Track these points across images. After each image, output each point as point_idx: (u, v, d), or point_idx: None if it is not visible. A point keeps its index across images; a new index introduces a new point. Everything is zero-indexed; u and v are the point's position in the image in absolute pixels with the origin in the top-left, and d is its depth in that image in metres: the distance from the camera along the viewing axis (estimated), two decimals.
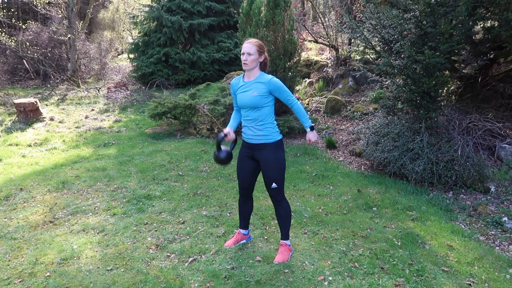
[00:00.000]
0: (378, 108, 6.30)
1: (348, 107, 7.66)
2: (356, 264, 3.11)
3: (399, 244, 3.44)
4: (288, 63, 7.28)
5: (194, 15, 13.09)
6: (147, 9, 13.52)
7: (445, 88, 5.38)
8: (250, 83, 3.02)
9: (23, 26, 11.47)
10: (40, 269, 3.14)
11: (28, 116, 8.55)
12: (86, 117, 9.30)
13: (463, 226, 3.89)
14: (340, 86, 8.57)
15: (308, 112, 7.99)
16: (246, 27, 7.38)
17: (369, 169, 5.54)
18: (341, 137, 6.75)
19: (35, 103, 8.62)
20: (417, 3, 4.57)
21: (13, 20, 11.28)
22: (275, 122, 3.15)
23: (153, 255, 3.33)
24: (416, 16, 4.67)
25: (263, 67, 3.11)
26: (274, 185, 3.10)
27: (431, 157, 4.69)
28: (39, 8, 11.34)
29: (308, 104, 8.49)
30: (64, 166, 5.92)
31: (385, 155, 5.06)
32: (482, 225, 3.92)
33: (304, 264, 3.13)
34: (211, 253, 3.35)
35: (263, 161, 3.10)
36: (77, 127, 8.34)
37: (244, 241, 3.53)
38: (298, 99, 8.94)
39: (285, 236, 3.26)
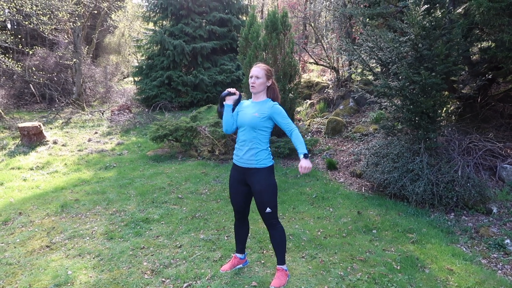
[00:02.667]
0: (378, 129, 6.30)
1: (349, 128, 7.66)
2: None
3: (398, 268, 3.37)
4: (288, 85, 7.34)
5: (196, 39, 13.32)
6: (151, 33, 13.78)
7: (444, 109, 5.39)
8: (254, 104, 3.08)
9: (30, 52, 11.70)
10: None
11: (32, 139, 8.63)
12: (89, 140, 9.37)
13: (464, 249, 3.82)
14: (341, 107, 8.60)
15: (309, 133, 8.00)
16: (246, 50, 7.49)
17: (370, 190, 5.49)
18: (342, 158, 6.73)
19: (38, 126, 8.71)
20: (412, 27, 4.62)
21: (20, 46, 11.50)
22: (269, 149, 3.15)
23: (148, 281, 3.29)
24: (411, 39, 4.71)
25: (271, 94, 3.12)
26: (268, 209, 3.07)
27: (431, 178, 4.64)
28: (46, 34, 11.58)
29: (309, 125, 8.50)
30: (65, 189, 5.92)
31: (385, 176, 5.02)
32: (484, 248, 3.84)
33: None
34: (206, 278, 3.30)
35: (256, 187, 3.06)
36: (79, 150, 8.39)
37: (241, 265, 3.48)
38: (299, 120, 8.97)
39: (281, 261, 3.21)
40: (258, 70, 3.02)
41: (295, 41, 10.70)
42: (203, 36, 13.32)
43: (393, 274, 3.25)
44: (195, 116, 8.00)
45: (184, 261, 3.62)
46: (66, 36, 15.58)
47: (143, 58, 14.57)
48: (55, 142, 8.89)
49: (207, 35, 13.37)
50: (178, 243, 4.02)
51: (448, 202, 4.58)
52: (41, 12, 10.96)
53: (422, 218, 4.47)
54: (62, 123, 11.39)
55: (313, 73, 12.97)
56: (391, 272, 3.30)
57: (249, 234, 4.13)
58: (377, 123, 7.13)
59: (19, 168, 7.05)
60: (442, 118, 5.59)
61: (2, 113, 11.62)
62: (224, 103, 3.17)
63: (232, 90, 3.15)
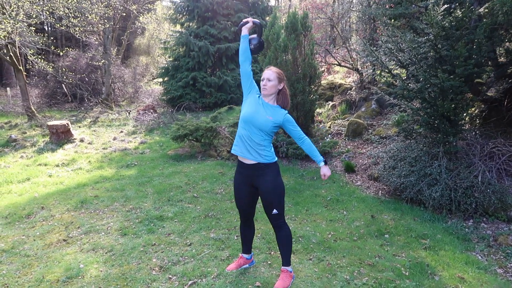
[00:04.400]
0: (397, 132, 6.16)
1: (370, 131, 7.53)
2: None
3: (407, 274, 3.29)
4: (308, 87, 7.30)
5: (221, 40, 13.45)
6: (177, 35, 14.02)
7: (467, 112, 5.21)
8: (268, 107, 3.01)
9: (61, 53, 12.17)
10: (44, 286, 3.23)
11: (60, 137, 8.97)
12: (114, 139, 9.63)
13: (480, 257, 3.68)
14: (363, 109, 8.47)
15: (329, 135, 7.92)
16: (266, 51, 7.50)
17: (387, 194, 5.38)
18: (360, 160, 6.63)
19: (66, 125, 9.04)
20: (432, 27, 4.50)
21: (53, 47, 11.97)
22: (271, 151, 3.10)
23: (155, 277, 3.35)
24: (430, 39, 4.59)
25: (281, 99, 3.08)
26: (275, 211, 3.06)
27: (449, 183, 4.50)
28: (78, 35, 12.01)
29: (330, 127, 8.42)
30: (86, 186, 6.12)
31: (401, 180, 4.91)
32: (502, 257, 3.69)
33: None
34: (212, 276, 3.33)
35: (263, 188, 3.05)
36: (104, 148, 8.64)
37: (247, 265, 3.49)
38: (320, 122, 8.90)
39: (286, 263, 3.20)
40: (270, 73, 3.01)
41: (319, 42, 10.64)
42: (227, 38, 13.45)
43: (400, 280, 3.18)
44: (215, 117, 8.08)
45: (192, 259, 3.67)
46: (97, 38, 16.11)
47: (170, 59, 14.84)
48: (81, 140, 9.20)
49: (232, 36, 13.48)
50: (188, 241, 4.08)
51: (467, 208, 4.43)
52: (72, 15, 11.38)
53: (438, 224, 4.34)
54: (90, 122, 11.76)
55: (338, 75, 12.85)
56: (399, 278, 3.22)
57: (258, 235, 4.17)
58: (398, 126, 6.97)
59: (45, 165, 7.34)
60: (465, 121, 5.41)
61: (35, 112, 12.14)
62: (241, 35, 3.13)
63: (246, 20, 3.13)
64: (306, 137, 3.03)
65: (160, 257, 3.73)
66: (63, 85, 15.14)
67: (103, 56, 14.54)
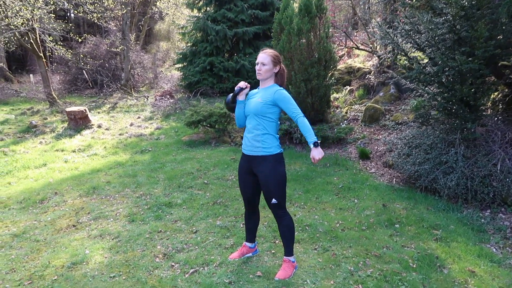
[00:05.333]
0: (413, 118, 5.94)
1: (387, 116, 7.30)
2: (360, 286, 2.91)
3: (414, 266, 3.17)
4: (324, 72, 7.09)
5: (238, 24, 13.26)
6: (194, 19, 13.90)
7: (488, 97, 4.94)
8: (260, 90, 3.01)
9: (80, 40, 12.29)
10: (50, 272, 3.28)
11: (78, 123, 9.11)
12: (131, 124, 9.72)
13: (494, 249, 3.51)
14: (381, 94, 8.21)
15: (345, 121, 7.73)
16: (280, 35, 7.33)
17: (401, 182, 5.21)
18: (376, 147, 6.44)
19: (84, 111, 9.17)
20: (450, 6, 4.24)
21: (71, 34, 12.09)
22: (277, 136, 3.05)
23: (158, 264, 3.35)
24: (449, 20, 4.33)
25: (279, 79, 3.03)
26: (274, 200, 2.99)
27: (465, 172, 4.30)
28: (96, 21, 12.09)
29: (346, 112, 8.22)
30: (100, 171, 6.20)
31: (415, 168, 4.73)
32: None
33: (305, 282, 2.98)
34: (214, 265, 3.31)
35: (262, 176, 2.99)
36: (120, 134, 8.73)
37: (250, 254, 3.44)
38: (337, 107, 8.70)
39: (288, 253, 3.14)
40: (264, 57, 2.91)
41: (337, 25, 10.32)
42: (245, 21, 13.23)
43: (407, 273, 3.06)
44: None
45: (196, 247, 3.65)
46: (116, 24, 16.19)
47: (189, 44, 14.76)
48: (99, 126, 9.32)
49: (249, 19, 13.26)
50: (194, 228, 4.06)
51: (484, 198, 4.23)
52: (90, 1, 11.43)
53: (452, 214, 4.17)
54: (109, 107, 11.90)
55: (359, 59, 12.48)
56: (405, 270, 3.11)
57: (265, 223, 4.11)
58: (416, 111, 6.72)
59: (62, 150, 7.48)
60: (486, 107, 5.14)
61: (56, 98, 12.37)
62: (237, 98, 3.09)
63: (243, 84, 3.05)
64: (302, 115, 2.89)
65: (165, 244, 3.73)
66: (84, 71, 15.34)
67: (122, 42, 14.61)
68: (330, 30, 7.43)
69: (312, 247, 3.56)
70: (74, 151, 7.44)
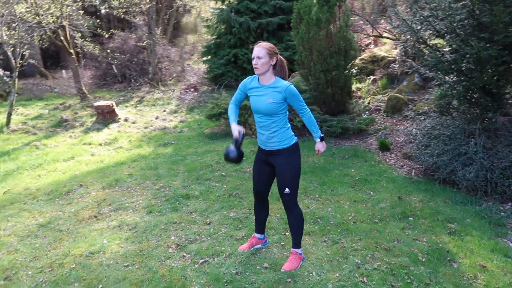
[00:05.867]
0: (432, 108, 5.78)
1: (410, 106, 7.12)
2: (365, 279, 2.91)
3: (423, 260, 3.13)
4: (344, 62, 6.99)
5: (262, 15, 13.21)
6: (218, 12, 13.97)
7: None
8: (266, 88, 2.97)
9: (106, 35, 12.63)
10: (69, 260, 3.46)
11: (105, 117, 9.42)
12: (157, 118, 9.94)
13: (511, 244, 3.40)
14: (405, 83, 8.01)
15: (367, 112, 7.60)
16: (299, 25, 7.26)
17: (420, 174, 5.11)
18: (397, 138, 6.32)
19: (111, 105, 9.46)
20: None
21: (99, 30, 12.45)
22: (289, 126, 3.09)
23: (170, 254, 3.47)
24: (467, 5, 4.18)
25: (279, 71, 3.02)
26: (287, 190, 3.03)
27: (485, 163, 4.17)
28: (122, 16, 12.38)
29: (369, 103, 8.07)
30: (124, 164, 6.41)
31: (434, 160, 4.62)
32: None
33: (311, 275, 3.01)
34: (224, 256, 3.39)
35: (278, 165, 3.07)
36: (145, 128, 8.96)
37: (260, 245, 3.50)
38: (359, 97, 8.56)
39: (296, 245, 3.17)
40: (259, 50, 2.91)
41: (360, 13, 10.10)
42: (268, 12, 13.17)
43: (415, 266, 3.03)
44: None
45: (209, 238, 3.75)
46: (144, 19, 16.49)
47: (213, 37, 14.87)
48: (125, 120, 9.60)
49: (272, 10, 13.18)
50: (208, 220, 4.16)
51: (504, 191, 4.09)
52: None
53: (470, 207, 4.06)
54: (136, 101, 12.21)
55: (385, 47, 12.17)
56: (413, 264, 3.08)
57: (278, 215, 4.16)
58: (440, 100, 6.52)
59: (90, 144, 7.78)
60: (510, 95, 4.94)
61: (87, 93, 12.80)
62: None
63: (241, 130, 3.01)
64: (307, 109, 2.99)
65: (179, 235, 3.84)
66: (113, 66, 15.77)
67: (148, 36, 14.90)
68: (351, 18, 7.30)
69: (321, 240, 3.58)
70: (100, 145, 7.73)
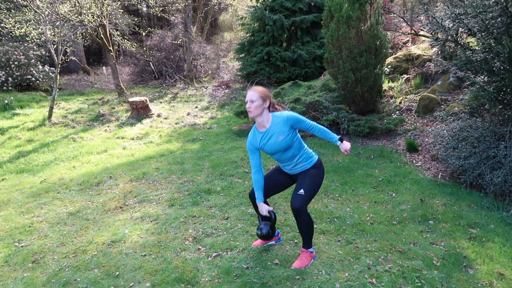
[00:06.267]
0: (462, 108, 5.56)
1: (443, 106, 6.88)
2: (374, 280, 2.87)
3: (438, 264, 3.05)
4: (374, 60, 6.86)
5: (296, 12, 13.16)
6: (252, 10, 14.05)
7: None
8: (269, 130, 3.02)
9: (143, 33, 13.03)
10: (92, 248, 3.65)
11: (139, 112, 9.74)
12: (188, 114, 10.17)
13: None
14: (439, 82, 7.74)
15: (397, 112, 7.42)
16: (329, 23, 7.19)
17: (447, 177, 4.94)
18: (426, 139, 6.13)
19: (145, 101, 9.78)
20: None
21: (136, 28, 12.87)
22: (307, 148, 3.19)
23: (186, 247, 3.58)
24: (500, 2, 3.99)
25: (272, 108, 3.11)
26: (301, 191, 3.03)
27: None
28: (159, 14, 12.74)
29: (400, 102, 7.87)
30: (152, 158, 6.63)
31: (460, 162, 4.47)
32: None
33: (320, 273, 3.01)
34: (237, 250, 3.45)
35: (300, 176, 3.14)
36: (176, 123, 9.20)
37: (273, 242, 3.53)
38: (391, 97, 8.37)
39: (307, 245, 3.18)
40: (251, 94, 2.98)
41: (393, 10, 9.84)
42: (302, 9, 13.10)
43: (428, 270, 2.96)
44: (278, 92, 8.06)
45: (225, 232, 3.82)
46: (182, 16, 16.88)
47: (248, 35, 14.99)
48: (158, 115, 9.89)
49: (307, 7, 13.11)
50: (226, 215, 4.24)
51: None
52: None
53: (495, 213, 3.90)
54: (170, 97, 12.54)
55: (423, 45, 11.79)
56: (427, 268, 3.00)
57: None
58: (475, 101, 6.26)
59: (122, 138, 8.08)
60: None
61: (124, 89, 13.28)
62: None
63: (271, 209, 3.17)
64: (313, 123, 3.06)
65: (197, 228, 3.95)
66: (150, 63, 16.26)
67: (184, 34, 15.22)
68: (385, 16, 7.14)
69: (336, 239, 3.56)
70: (132, 139, 8.01)
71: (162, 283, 2.98)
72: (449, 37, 4.87)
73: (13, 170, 6.55)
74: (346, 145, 3.16)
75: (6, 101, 11.54)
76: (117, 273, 3.18)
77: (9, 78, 13.29)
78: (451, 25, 5.04)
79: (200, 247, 3.57)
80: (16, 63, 13.51)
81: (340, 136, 3.15)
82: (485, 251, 3.22)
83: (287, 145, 3.00)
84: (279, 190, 3.37)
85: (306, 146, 3.19)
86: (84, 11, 10.86)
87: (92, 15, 10.74)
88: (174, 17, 18.06)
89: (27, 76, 13.75)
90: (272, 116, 3.03)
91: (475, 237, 3.45)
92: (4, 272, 3.37)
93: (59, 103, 11.77)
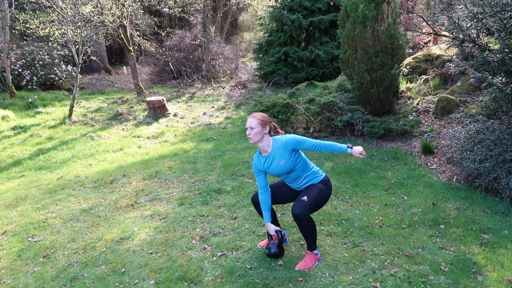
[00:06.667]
0: (479, 110, 5.40)
1: (461, 108, 6.71)
2: (378, 284, 2.82)
3: (446, 270, 2.97)
4: (390, 61, 6.74)
5: (315, 12, 13.08)
6: (271, 10, 14.04)
7: None
8: (270, 155, 3.06)
9: (162, 33, 13.20)
10: (101, 244, 3.72)
11: (156, 112, 9.87)
12: (204, 114, 10.24)
13: None
14: (459, 83, 7.54)
15: (414, 113, 7.27)
16: (345, 23, 7.12)
17: (462, 180, 4.82)
18: (442, 141, 5.99)
19: (161, 100, 9.90)
20: None
21: (155, 29, 13.03)
22: (313, 166, 3.22)
23: (192, 245, 3.60)
24: None
25: (273, 132, 3.15)
26: (304, 197, 3.02)
27: None
28: (178, 15, 12.88)
29: (418, 104, 7.71)
30: (166, 157, 6.70)
31: (475, 166, 4.34)
32: None
33: (324, 275, 2.98)
34: (242, 250, 3.45)
35: (308, 187, 3.15)
36: (192, 123, 9.28)
37: None
38: (409, 98, 8.21)
39: (311, 247, 3.15)
40: (251, 121, 3.03)
41: (412, 10, 9.64)
42: (321, 9, 13.02)
43: (434, 276, 2.89)
44: (293, 93, 8.03)
45: (232, 232, 3.83)
46: (201, 17, 17.00)
47: (266, 35, 15.00)
48: (175, 115, 9.99)
49: (325, 7, 13.02)
50: (235, 215, 4.25)
51: None
52: None
53: (510, 218, 3.77)
54: (187, 97, 12.65)
55: (445, 45, 11.53)
56: (434, 273, 2.93)
57: None
58: (495, 103, 6.07)
59: (138, 137, 8.20)
60: None
61: (143, 88, 13.48)
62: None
63: (279, 229, 3.23)
64: (316, 141, 3.05)
65: (204, 227, 3.97)
66: (169, 63, 16.45)
67: (203, 34, 15.33)
68: (405, 16, 7.01)
69: (342, 242, 3.52)
70: (148, 138, 8.13)
71: (165, 281, 3.01)
72: (466, 37, 4.74)
73: (32, 167, 6.74)
74: (357, 149, 3.12)
75: (30, 100, 11.91)
76: (123, 270, 3.23)
77: (34, 77, 13.69)
78: (468, 24, 4.92)
79: (206, 246, 3.59)
80: (40, 62, 13.92)
81: (348, 144, 3.13)
82: (496, 258, 3.12)
83: (289, 168, 3.05)
84: (283, 200, 3.37)
85: (313, 164, 3.22)
86: (105, 12, 11.08)
87: (112, 15, 10.94)
88: (193, 17, 18.21)
89: (51, 76, 14.14)
90: (273, 140, 3.07)
91: (487, 242, 3.35)
92: (16, 266, 3.48)
93: (80, 102, 12.04)
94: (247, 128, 3.04)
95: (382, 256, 3.22)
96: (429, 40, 11.95)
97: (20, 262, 3.53)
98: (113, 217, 4.40)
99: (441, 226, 3.72)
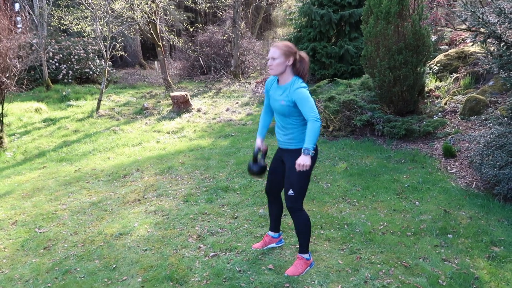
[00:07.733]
0: (503, 113, 5.03)
1: (491, 109, 6.30)
2: None
3: (444, 284, 2.77)
4: (415, 58, 6.42)
5: (345, 7, 12.74)
6: (300, 5, 13.81)
7: None
8: (281, 89, 2.90)
9: (190, 29, 13.31)
10: (99, 239, 3.77)
11: (180, 107, 9.97)
12: (227, 110, 10.23)
13: None
14: (491, 83, 7.10)
15: (439, 113, 6.91)
16: (368, 19, 6.85)
17: (482, 187, 4.51)
18: (467, 144, 5.64)
19: (185, 96, 9.98)
20: None
21: (185, 24, 13.15)
22: (301, 129, 2.96)
23: (187, 244, 3.58)
24: None
25: (301, 69, 2.92)
26: (290, 191, 2.93)
27: None
28: (207, 10, 12.95)
29: (446, 103, 7.33)
30: (182, 153, 6.73)
31: (494, 172, 4.05)
32: None
33: (313, 282, 2.87)
34: (236, 252, 3.39)
35: (288, 165, 2.98)
36: (213, 119, 9.29)
37: (273, 244, 3.44)
38: (437, 97, 7.82)
39: (302, 250, 3.05)
40: (273, 51, 2.83)
41: (442, 5, 9.16)
42: (351, 3, 12.65)
43: None
44: (314, 90, 7.85)
45: (230, 232, 3.78)
46: (232, 12, 17.00)
47: (295, 30, 14.78)
48: (198, 110, 10.05)
49: (356, 1, 12.62)
50: (236, 214, 4.19)
51: None
52: None
53: None
54: (214, 92, 12.70)
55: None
56: (430, 286, 2.75)
57: None
58: None
59: (159, 131, 8.31)
60: None
61: (171, 83, 13.66)
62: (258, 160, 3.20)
63: (261, 147, 3.20)
64: (313, 119, 2.68)
65: (203, 226, 3.94)
66: (200, 58, 16.59)
67: (232, 30, 15.33)
68: (434, 11, 6.67)
69: (339, 248, 3.38)
70: (168, 133, 8.21)
71: (152, 279, 3.00)
72: (491, 33, 4.43)
73: (54, 158, 6.98)
74: (301, 160, 2.69)
75: (64, 93, 12.36)
76: (114, 265, 3.26)
77: (70, 71, 14.21)
78: (495, 20, 4.60)
79: (201, 245, 3.55)
80: (76, 57, 14.41)
81: (308, 149, 2.69)
82: (503, 274, 2.88)
83: (283, 112, 2.88)
84: (283, 182, 3.13)
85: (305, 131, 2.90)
86: (135, 8, 11.30)
87: (141, 11, 11.13)
88: (225, 13, 18.24)
89: (86, 70, 14.62)
90: (292, 78, 2.85)
91: (496, 256, 3.10)
92: (17, 256, 3.59)
93: (110, 96, 12.37)
94: (268, 59, 2.87)
95: (378, 265, 3.06)
96: (466, 37, 11.35)
97: (22, 253, 3.64)
98: (118, 211, 4.45)
99: (449, 235, 3.50)
